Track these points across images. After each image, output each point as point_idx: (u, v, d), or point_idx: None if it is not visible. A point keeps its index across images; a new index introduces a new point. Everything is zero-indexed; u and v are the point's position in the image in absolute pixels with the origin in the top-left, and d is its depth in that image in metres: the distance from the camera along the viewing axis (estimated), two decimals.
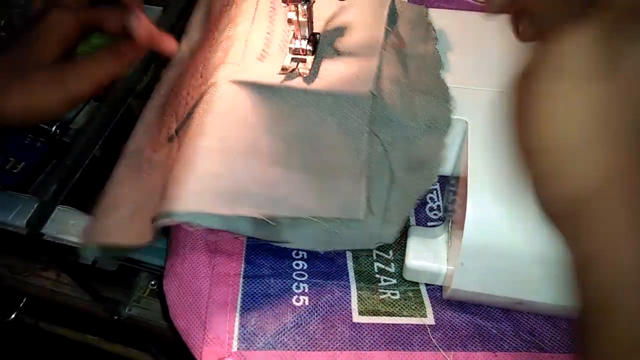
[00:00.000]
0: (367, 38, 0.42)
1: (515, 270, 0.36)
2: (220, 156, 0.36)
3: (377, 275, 0.41)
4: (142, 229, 0.35)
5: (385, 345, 0.37)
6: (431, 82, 0.41)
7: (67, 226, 0.44)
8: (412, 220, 0.45)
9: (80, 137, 0.48)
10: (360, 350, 0.37)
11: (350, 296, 0.40)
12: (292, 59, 0.40)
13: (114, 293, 0.48)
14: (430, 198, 0.46)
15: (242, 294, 0.39)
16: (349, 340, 0.37)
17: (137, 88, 0.59)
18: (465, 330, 0.39)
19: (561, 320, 0.39)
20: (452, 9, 0.49)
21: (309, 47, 0.40)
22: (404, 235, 0.41)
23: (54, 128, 0.54)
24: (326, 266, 0.42)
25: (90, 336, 0.57)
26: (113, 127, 0.57)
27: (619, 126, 0.19)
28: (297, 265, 0.41)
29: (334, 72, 0.39)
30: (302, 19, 0.38)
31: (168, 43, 0.37)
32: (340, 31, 0.41)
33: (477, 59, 0.43)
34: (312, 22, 0.39)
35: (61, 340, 0.59)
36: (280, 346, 0.37)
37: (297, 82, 0.39)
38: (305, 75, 0.39)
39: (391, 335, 0.38)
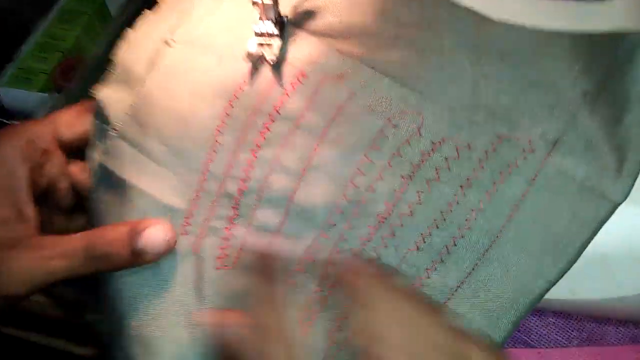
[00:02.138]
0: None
1: None
2: None
3: None
4: None
5: None
6: None
7: None
8: None
9: None
10: None
11: None
12: (258, 44, 0.37)
13: (78, 296, 0.45)
14: None
15: None
16: None
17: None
18: None
19: (548, 314, 0.37)
20: None
21: (276, 30, 0.37)
22: None
23: None
24: None
25: (60, 340, 0.54)
26: None
27: None
28: None
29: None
30: (266, 0, 0.36)
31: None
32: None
33: None
34: (277, 3, 0.37)
35: (31, 346, 0.57)
36: None
37: None
38: (272, 62, 0.36)
39: None
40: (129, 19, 0.56)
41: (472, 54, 0.34)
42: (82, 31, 0.62)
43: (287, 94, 0.35)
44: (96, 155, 0.37)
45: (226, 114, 0.36)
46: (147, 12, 0.41)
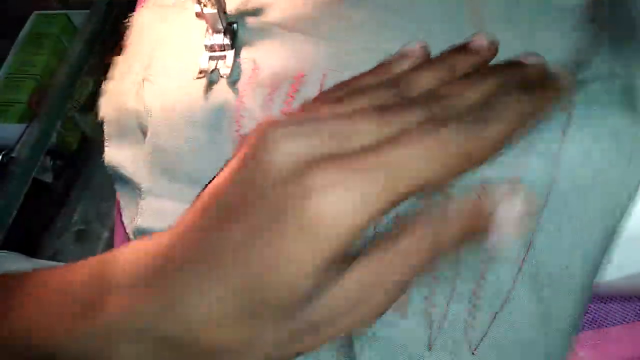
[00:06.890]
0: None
1: None
2: None
3: None
4: None
5: None
6: None
7: None
8: None
9: (11, 168, 0.45)
10: None
11: None
12: (210, 58, 0.35)
13: None
14: None
15: None
16: None
17: (77, 99, 0.55)
18: None
19: None
20: None
21: (227, 41, 0.35)
22: None
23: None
24: None
25: None
26: (60, 149, 0.54)
27: None
28: None
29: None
30: (210, 10, 0.34)
31: None
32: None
33: None
34: (224, 12, 0.35)
35: None
36: None
37: None
38: (226, 76, 0.34)
39: None
40: (92, 38, 0.55)
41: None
42: (51, 53, 0.61)
43: (241, 115, 0.33)
44: (129, 221, 0.36)
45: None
46: (116, 58, 0.39)
